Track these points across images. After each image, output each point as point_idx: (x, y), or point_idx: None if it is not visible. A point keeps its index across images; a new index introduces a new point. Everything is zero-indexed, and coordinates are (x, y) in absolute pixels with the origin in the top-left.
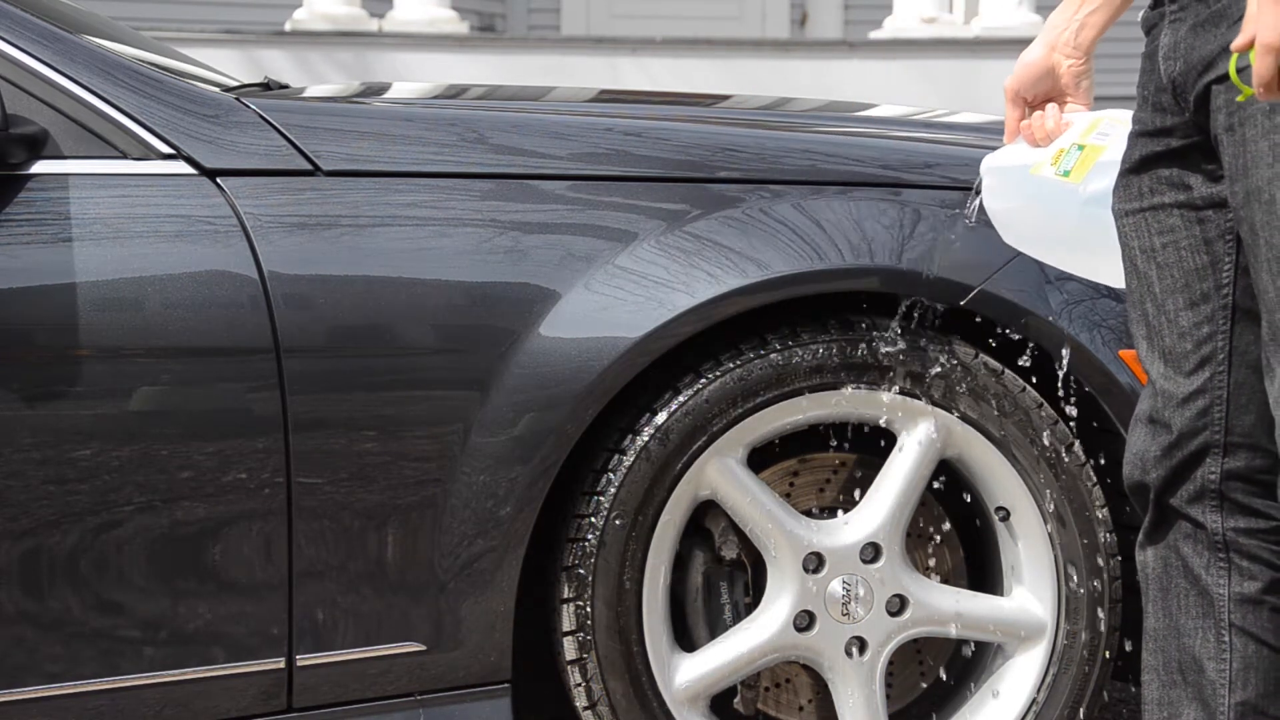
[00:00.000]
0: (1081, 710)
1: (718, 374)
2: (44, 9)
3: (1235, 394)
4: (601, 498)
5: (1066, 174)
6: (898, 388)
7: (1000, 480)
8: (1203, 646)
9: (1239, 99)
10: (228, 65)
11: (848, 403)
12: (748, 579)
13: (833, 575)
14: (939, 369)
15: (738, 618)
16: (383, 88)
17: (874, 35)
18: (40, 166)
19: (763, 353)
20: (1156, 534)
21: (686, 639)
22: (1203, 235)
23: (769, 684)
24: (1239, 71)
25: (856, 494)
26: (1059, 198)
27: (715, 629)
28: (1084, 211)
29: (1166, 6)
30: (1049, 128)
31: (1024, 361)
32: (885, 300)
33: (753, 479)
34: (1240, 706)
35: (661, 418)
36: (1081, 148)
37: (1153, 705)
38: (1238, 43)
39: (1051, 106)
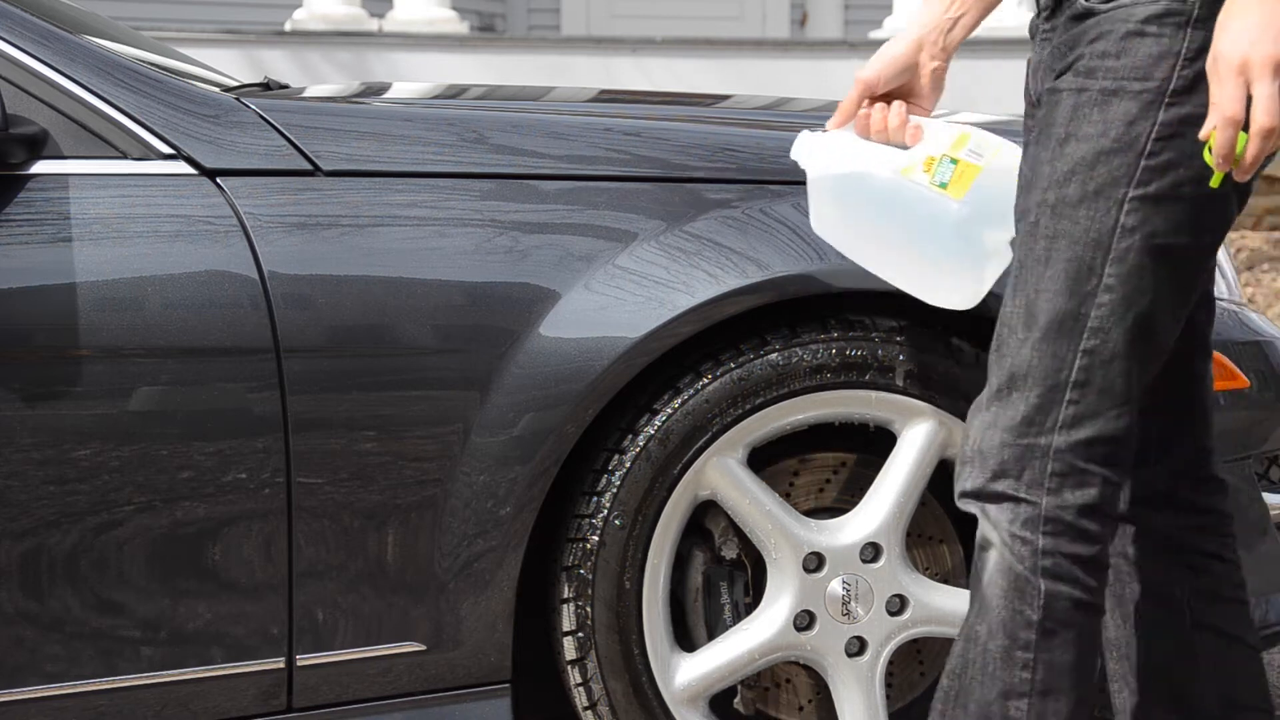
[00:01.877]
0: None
1: (718, 374)
2: (44, 9)
3: (1166, 394)
4: (601, 498)
5: (943, 185)
6: (898, 387)
7: None
8: (1169, 649)
9: (1211, 184)
10: (228, 65)
11: (848, 403)
12: (748, 579)
13: (833, 575)
14: (939, 369)
15: (738, 618)
16: (383, 88)
17: (874, 35)
18: (40, 166)
19: (763, 353)
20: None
21: (686, 639)
22: None
23: (769, 684)
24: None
25: (856, 494)
26: (928, 207)
27: (715, 629)
28: (956, 228)
29: (1040, 22)
30: (892, 124)
31: None
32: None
33: (753, 479)
34: (1215, 702)
35: (661, 418)
36: (955, 161)
37: (1125, 714)
38: (1205, 131)
39: (899, 104)
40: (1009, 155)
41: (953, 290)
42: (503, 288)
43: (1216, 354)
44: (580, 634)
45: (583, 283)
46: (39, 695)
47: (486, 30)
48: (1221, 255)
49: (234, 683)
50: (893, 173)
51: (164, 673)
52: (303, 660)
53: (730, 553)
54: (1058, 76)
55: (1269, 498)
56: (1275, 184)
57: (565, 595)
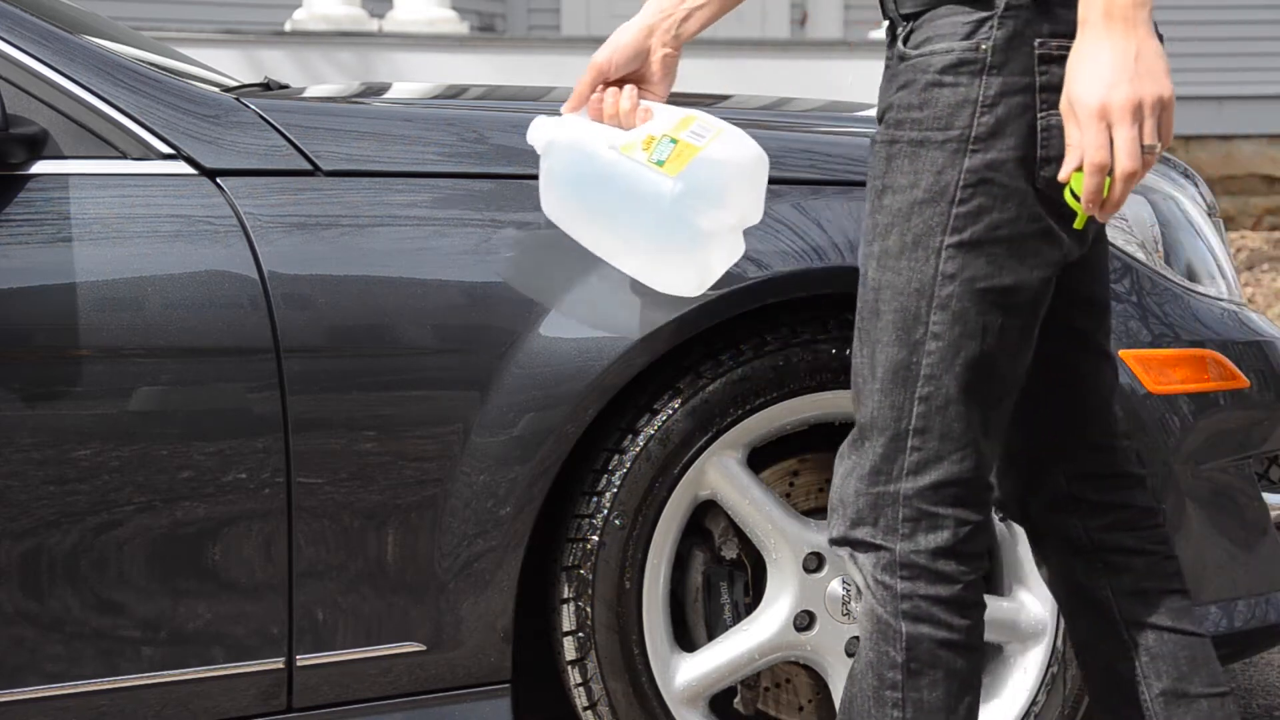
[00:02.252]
0: (1081, 710)
1: (718, 374)
2: (44, 9)
3: (1053, 401)
4: (601, 498)
5: (660, 164)
6: None
7: None
8: (1108, 651)
9: (1075, 225)
10: (228, 65)
11: (848, 403)
12: (748, 579)
13: (833, 575)
14: None
15: (738, 618)
16: (383, 88)
17: (874, 35)
18: (40, 166)
19: (762, 353)
20: (1040, 549)
21: (686, 639)
22: None
23: (769, 684)
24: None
25: None
26: (644, 186)
27: (715, 629)
28: (671, 207)
29: (886, 48)
30: (623, 108)
31: None
32: None
33: (753, 479)
34: (1162, 698)
35: (661, 418)
36: (675, 141)
37: (1098, 710)
38: (1064, 174)
39: (630, 88)
40: (732, 140)
41: (677, 275)
42: (503, 288)
43: (1215, 354)
44: (580, 634)
45: (583, 282)
46: (39, 695)
47: (486, 30)
48: (1221, 255)
49: (234, 683)
50: (612, 150)
51: (164, 673)
52: (303, 660)
53: (730, 553)
54: (879, 120)
55: (1269, 498)
56: (1275, 184)
57: (565, 595)
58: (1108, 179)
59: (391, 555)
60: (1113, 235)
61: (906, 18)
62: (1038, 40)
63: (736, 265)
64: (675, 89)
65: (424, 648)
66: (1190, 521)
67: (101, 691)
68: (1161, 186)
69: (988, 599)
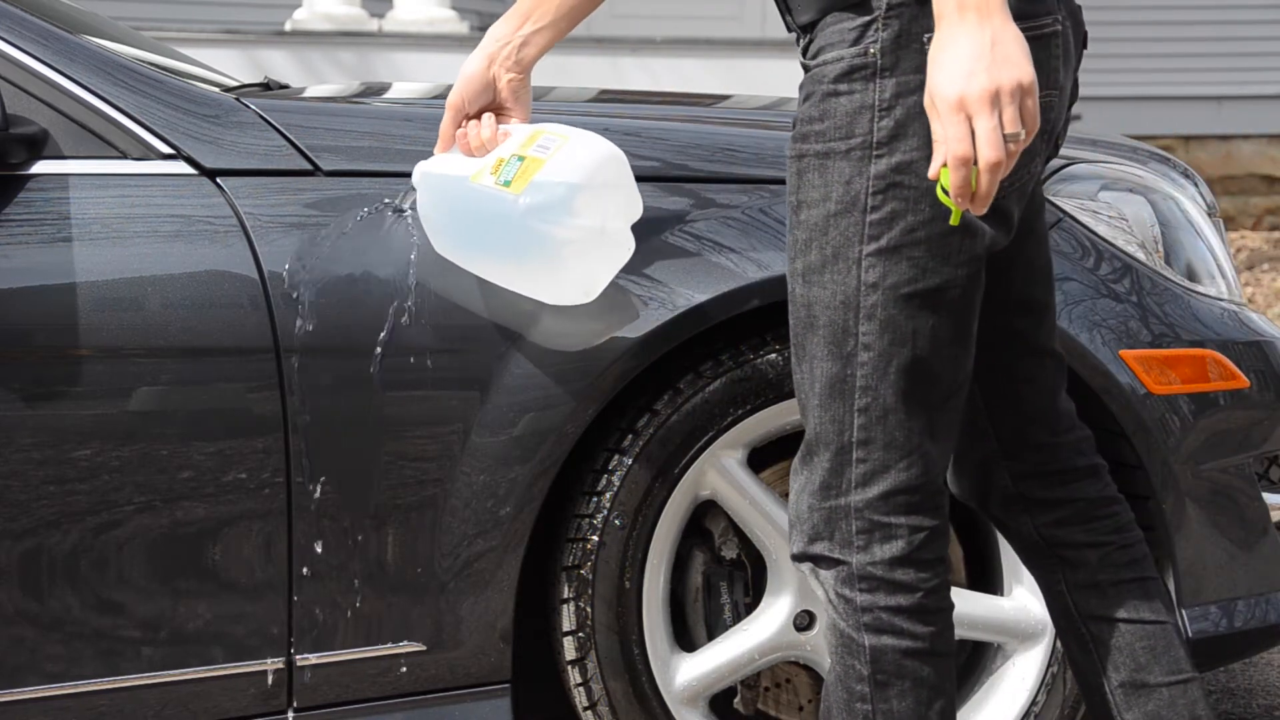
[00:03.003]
0: (1081, 710)
1: (718, 374)
2: (44, 9)
3: (992, 404)
4: (602, 498)
5: (507, 184)
6: None
7: None
8: (1071, 646)
9: (951, 221)
10: (228, 65)
11: None
12: (748, 579)
13: None
14: None
15: (738, 618)
16: (383, 88)
17: None
18: (40, 166)
19: (762, 353)
20: (1012, 544)
21: (686, 639)
22: None
23: (769, 684)
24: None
25: None
26: (498, 208)
27: (715, 629)
28: (523, 223)
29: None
30: (484, 137)
31: None
32: None
33: (753, 479)
34: (1121, 689)
35: (661, 418)
36: (522, 159)
37: (1085, 705)
38: (932, 171)
39: (488, 116)
40: (579, 146)
41: (561, 287)
42: (503, 287)
43: (1215, 354)
44: (580, 634)
45: None
46: (39, 695)
47: (487, 30)
48: (1221, 255)
49: (234, 683)
50: (464, 181)
51: (164, 673)
52: (303, 660)
53: (730, 553)
54: (791, 131)
55: (1269, 498)
56: (1275, 184)
57: (565, 595)
58: (974, 171)
59: (391, 555)
60: (1113, 235)
61: (804, 29)
62: (926, 36)
63: (736, 265)
64: (676, 88)
65: (424, 648)
66: (1190, 521)
67: (101, 691)
68: (1161, 186)
69: (987, 599)
